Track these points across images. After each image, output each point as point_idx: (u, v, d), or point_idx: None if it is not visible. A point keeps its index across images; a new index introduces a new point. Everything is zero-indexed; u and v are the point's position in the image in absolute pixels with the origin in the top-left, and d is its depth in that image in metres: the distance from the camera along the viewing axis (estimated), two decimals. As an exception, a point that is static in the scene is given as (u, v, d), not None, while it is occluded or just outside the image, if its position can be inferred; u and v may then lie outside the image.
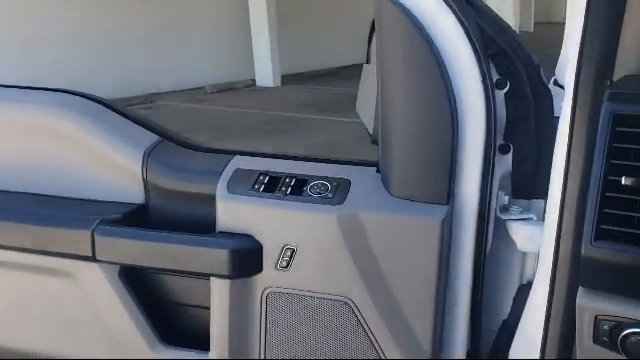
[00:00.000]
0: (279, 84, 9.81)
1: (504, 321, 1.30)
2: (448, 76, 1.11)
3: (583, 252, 0.88)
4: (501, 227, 1.23)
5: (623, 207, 0.86)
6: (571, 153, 0.98)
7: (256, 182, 1.26)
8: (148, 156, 1.35)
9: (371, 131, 1.32)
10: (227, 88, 9.47)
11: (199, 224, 1.31)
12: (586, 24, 0.93)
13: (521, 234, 1.19)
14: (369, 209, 1.19)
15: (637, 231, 0.85)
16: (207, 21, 9.75)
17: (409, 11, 1.11)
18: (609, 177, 0.86)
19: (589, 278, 0.91)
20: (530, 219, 1.21)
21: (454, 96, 1.12)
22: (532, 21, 15.43)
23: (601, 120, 0.88)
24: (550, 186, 1.07)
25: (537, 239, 1.14)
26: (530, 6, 15.05)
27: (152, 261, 1.31)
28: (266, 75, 9.77)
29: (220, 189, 1.26)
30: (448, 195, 1.15)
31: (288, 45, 10.01)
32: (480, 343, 1.28)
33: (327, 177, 1.26)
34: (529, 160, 1.20)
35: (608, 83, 0.95)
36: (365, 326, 1.23)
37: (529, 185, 1.22)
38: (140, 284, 1.38)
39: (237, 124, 7.28)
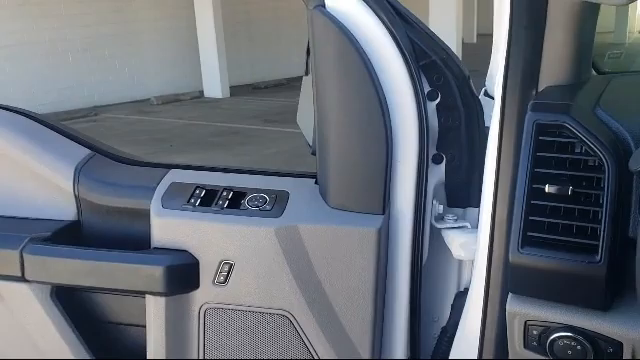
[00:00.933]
0: (228, 95, 9.73)
1: (443, 328, 1.31)
2: (381, 88, 1.13)
3: (511, 259, 0.90)
4: (437, 236, 1.25)
5: (548, 214, 0.88)
6: (500, 162, 1.01)
7: (192, 196, 1.24)
8: (79, 171, 1.31)
9: (311, 142, 1.32)
10: (174, 100, 9.34)
11: (133, 240, 1.28)
12: (510, 38, 0.95)
13: (456, 242, 1.21)
14: (307, 221, 1.19)
15: (561, 237, 0.87)
16: (153, 32, 9.61)
17: (341, 24, 1.12)
18: (533, 185, 0.89)
19: (518, 284, 0.92)
20: (464, 227, 1.23)
21: (387, 108, 1.14)
22: (475, 33, 15.84)
23: (525, 129, 0.91)
24: (482, 194, 1.09)
25: (472, 247, 1.16)
26: (473, 18, 15.45)
27: (85, 280, 1.27)
28: (214, 86, 9.68)
29: (154, 204, 1.24)
30: (384, 205, 1.16)
31: (236, 56, 9.96)
32: (419, 350, 1.29)
33: (265, 189, 1.25)
34: (462, 169, 1.23)
35: (534, 93, 0.98)
36: (305, 338, 1.22)
37: (463, 194, 1.25)
38: (73, 304, 1.33)
39: (184, 136, 7.18)
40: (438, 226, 1.24)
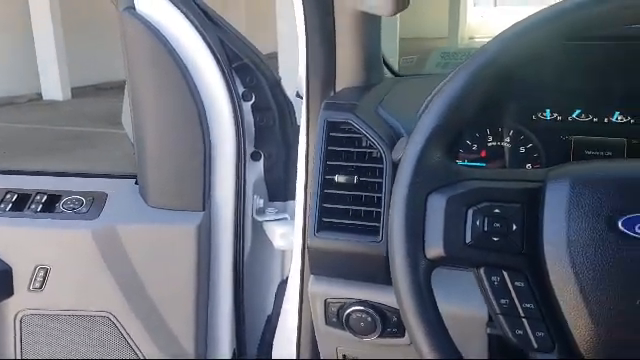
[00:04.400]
0: (69, 97, 9.16)
1: (268, 317, 1.38)
2: (195, 88, 1.17)
3: (309, 243, 0.98)
4: (259, 229, 1.32)
5: (338, 201, 0.98)
6: (308, 157, 1.09)
7: (2, 201, 1.20)
8: None
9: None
10: (7, 102, 8.61)
11: None
12: (307, 46, 1.04)
13: (276, 233, 1.29)
14: (126, 221, 1.19)
15: (351, 221, 0.97)
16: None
17: (152, 26, 1.14)
18: (326, 176, 0.98)
19: (316, 266, 1.01)
20: (284, 219, 1.31)
21: (203, 107, 1.18)
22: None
23: (318, 127, 1.00)
24: (297, 188, 1.18)
25: (291, 237, 1.24)
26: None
27: None
28: (54, 88, 9.06)
29: None
30: (203, 202, 1.21)
31: (78, 56, 9.41)
32: (245, 341, 1.35)
33: (82, 192, 1.24)
34: (279, 165, 1.31)
35: (332, 94, 1.08)
36: (128, 338, 1.23)
37: (282, 188, 1.33)
38: None
39: (21, 142, 6.67)
40: (259, 219, 1.30)
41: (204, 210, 1.21)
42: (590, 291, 0.62)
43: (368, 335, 0.99)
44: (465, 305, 0.89)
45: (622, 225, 0.62)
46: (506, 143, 1.07)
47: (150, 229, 1.19)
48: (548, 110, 1.05)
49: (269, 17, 7.68)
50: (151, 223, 1.19)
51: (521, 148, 1.06)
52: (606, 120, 1.03)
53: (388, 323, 0.98)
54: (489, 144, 1.08)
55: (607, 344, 0.63)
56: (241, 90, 1.23)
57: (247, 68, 1.23)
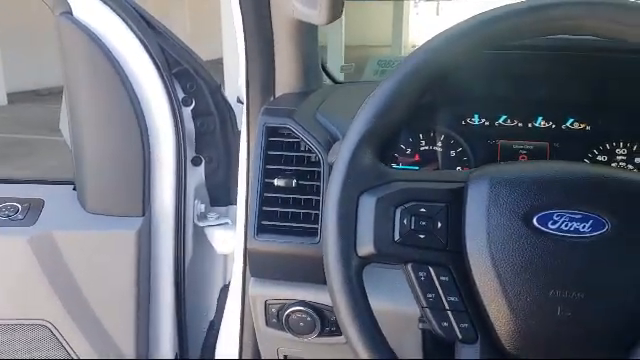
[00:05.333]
0: (5, 103, 8.84)
1: (211, 322, 1.39)
2: (134, 93, 1.17)
3: (248, 246, 1.00)
4: (201, 234, 1.32)
5: (277, 204, 1.00)
6: (249, 162, 1.11)
7: None
8: None
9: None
10: (-62, 108, 8.24)
11: None
12: (247, 54, 1.06)
13: (218, 238, 1.30)
14: (63, 228, 1.18)
15: (290, 224, 1.00)
16: None
17: (90, 31, 1.13)
18: (265, 180, 1.00)
19: (256, 268, 1.03)
20: (226, 224, 1.32)
21: (142, 112, 1.18)
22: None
23: (257, 131, 1.02)
24: (238, 192, 1.19)
25: (232, 241, 1.25)
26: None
27: None
28: (-12, 93, 8.73)
29: None
30: (143, 207, 1.20)
31: (15, 60, 9.08)
32: (188, 347, 1.35)
33: (17, 198, 1.22)
34: (220, 170, 1.32)
35: (271, 100, 1.11)
36: (67, 347, 1.21)
37: (223, 193, 1.34)
38: None
39: (-46, 149, 6.38)
40: (201, 224, 1.31)
41: (144, 215, 1.20)
42: (508, 284, 0.66)
43: (307, 335, 1.02)
44: (398, 302, 0.93)
45: (537, 221, 0.67)
46: (438, 147, 1.11)
47: (88, 235, 1.18)
48: (477, 115, 1.11)
49: (215, 23, 7.64)
50: (89, 229, 1.18)
51: (452, 152, 1.11)
52: (530, 125, 1.09)
53: (327, 322, 1.01)
54: (422, 148, 1.12)
55: (524, 334, 0.67)
56: (181, 96, 1.24)
57: (187, 74, 1.24)
